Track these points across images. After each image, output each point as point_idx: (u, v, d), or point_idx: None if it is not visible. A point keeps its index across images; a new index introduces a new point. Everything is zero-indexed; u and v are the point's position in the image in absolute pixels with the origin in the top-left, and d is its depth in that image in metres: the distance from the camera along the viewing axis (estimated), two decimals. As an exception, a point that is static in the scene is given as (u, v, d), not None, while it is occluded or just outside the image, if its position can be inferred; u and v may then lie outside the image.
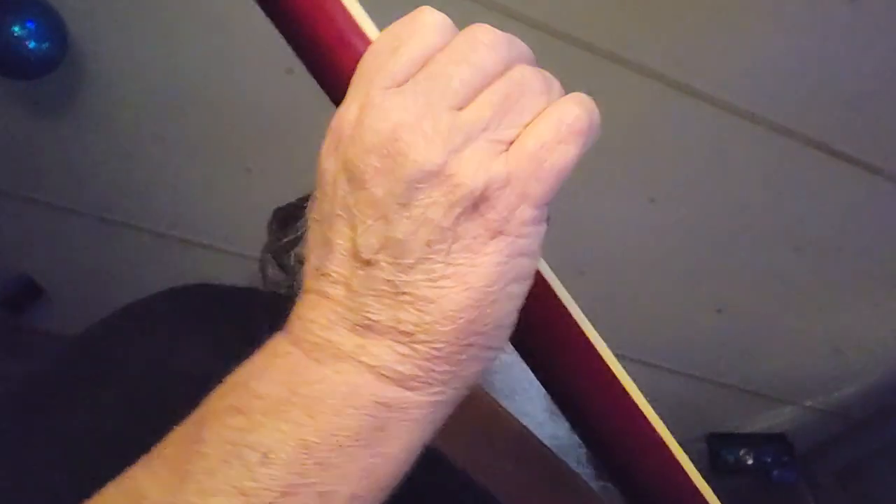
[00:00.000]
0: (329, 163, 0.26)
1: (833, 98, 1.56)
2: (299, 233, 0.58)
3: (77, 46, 1.50)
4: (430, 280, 0.24)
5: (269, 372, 0.25)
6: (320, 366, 0.25)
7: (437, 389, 0.25)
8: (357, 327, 0.25)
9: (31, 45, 1.40)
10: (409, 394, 0.25)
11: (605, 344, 0.32)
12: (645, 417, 0.33)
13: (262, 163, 1.74)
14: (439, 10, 0.28)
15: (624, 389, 0.33)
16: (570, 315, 0.31)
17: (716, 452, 2.46)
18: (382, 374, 0.24)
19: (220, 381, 0.27)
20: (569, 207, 1.63)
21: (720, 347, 2.20)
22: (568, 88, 0.29)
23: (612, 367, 0.32)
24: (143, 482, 0.24)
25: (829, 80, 1.52)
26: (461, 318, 0.24)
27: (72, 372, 0.37)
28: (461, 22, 0.28)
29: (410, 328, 0.24)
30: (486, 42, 0.26)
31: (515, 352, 0.49)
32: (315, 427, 0.23)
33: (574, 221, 1.76)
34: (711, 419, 2.45)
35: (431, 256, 0.24)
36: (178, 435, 0.25)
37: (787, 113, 1.59)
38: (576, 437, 0.54)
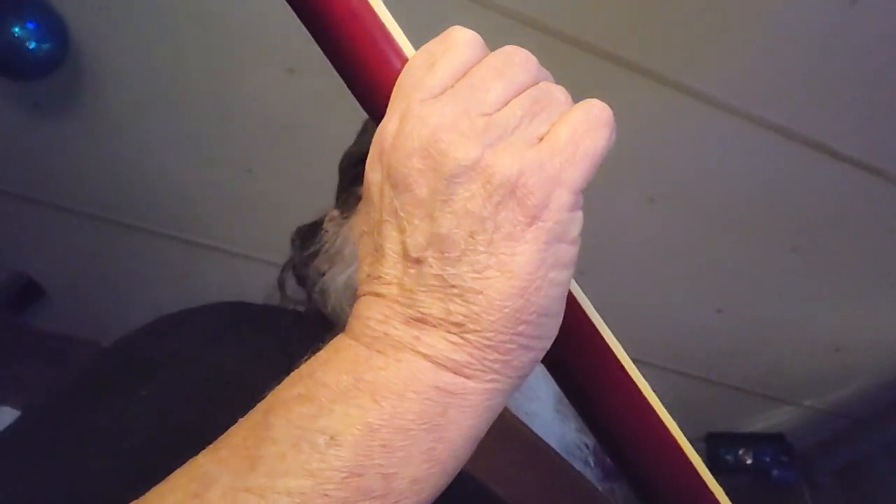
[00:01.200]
0: (374, 175, 0.28)
1: (833, 98, 1.56)
2: (318, 246, 0.60)
3: (78, 47, 1.50)
4: (476, 271, 0.25)
5: (334, 363, 0.27)
6: (382, 355, 0.26)
7: (491, 377, 0.26)
8: (411, 320, 0.26)
9: (32, 45, 1.40)
10: (465, 380, 0.26)
11: (619, 344, 0.33)
12: (658, 417, 0.34)
13: (264, 163, 1.74)
14: (463, 22, 0.30)
15: (638, 389, 0.33)
16: (586, 315, 0.32)
17: (715, 452, 2.46)
18: (439, 363, 0.26)
19: (253, 381, 0.28)
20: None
21: (720, 347, 2.20)
22: (567, 88, 0.30)
23: (626, 366, 0.33)
24: (211, 468, 0.25)
25: (829, 79, 1.52)
26: (507, 306, 0.25)
27: (114, 370, 0.41)
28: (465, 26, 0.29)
29: (460, 319, 0.26)
30: (519, 61, 0.28)
31: None
32: (380, 411, 0.25)
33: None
34: (710, 419, 2.46)
35: (475, 247, 0.25)
36: (245, 425, 0.26)
37: (787, 113, 1.59)
38: (583, 438, 0.55)
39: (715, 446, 2.47)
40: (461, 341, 0.26)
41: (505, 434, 0.48)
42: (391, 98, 0.29)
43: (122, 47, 1.51)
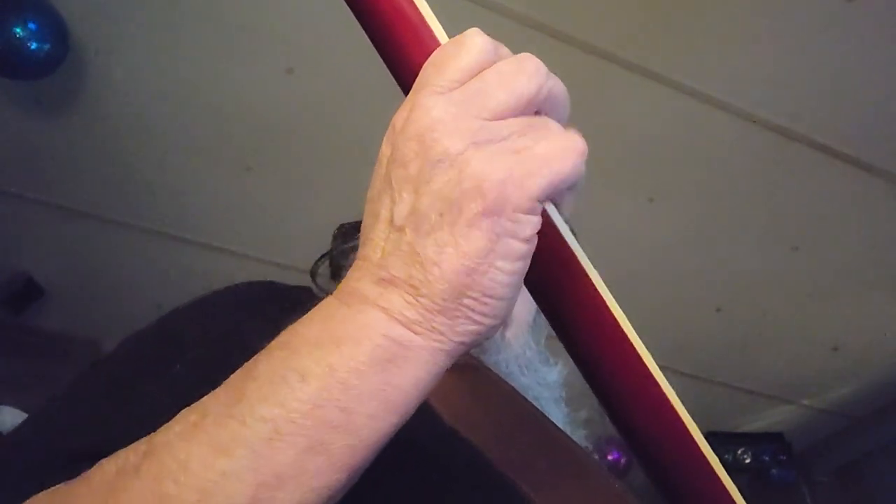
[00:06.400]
0: (385, 149, 0.33)
1: (832, 98, 1.56)
2: (357, 241, 0.64)
3: (78, 47, 1.50)
4: (438, 246, 0.30)
5: (311, 317, 0.32)
6: (348, 308, 0.31)
7: (435, 337, 0.30)
8: (381, 280, 0.31)
9: (33, 45, 1.40)
10: (412, 335, 0.30)
11: (644, 346, 0.37)
12: (680, 418, 0.38)
13: (263, 162, 1.74)
14: (464, 24, 0.32)
15: (662, 392, 0.37)
16: (610, 311, 0.37)
17: (714, 451, 2.46)
18: (393, 317, 0.30)
19: None
20: (568, 207, 1.64)
21: (719, 347, 2.21)
22: (569, 88, 0.31)
23: (651, 369, 0.37)
24: (208, 402, 0.31)
25: (829, 80, 1.53)
26: (455, 280, 0.30)
27: (150, 349, 0.48)
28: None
29: (417, 283, 0.30)
30: (528, 71, 0.32)
31: (529, 374, 0.56)
32: (339, 354, 0.30)
33: (574, 221, 1.76)
34: (710, 418, 2.46)
35: (441, 226, 0.30)
36: (238, 372, 0.32)
37: (787, 113, 1.59)
38: (580, 431, 0.60)
39: (714, 446, 2.45)
40: (415, 302, 0.30)
41: (519, 420, 0.52)
42: (412, 88, 0.32)
43: (122, 47, 1.51)
